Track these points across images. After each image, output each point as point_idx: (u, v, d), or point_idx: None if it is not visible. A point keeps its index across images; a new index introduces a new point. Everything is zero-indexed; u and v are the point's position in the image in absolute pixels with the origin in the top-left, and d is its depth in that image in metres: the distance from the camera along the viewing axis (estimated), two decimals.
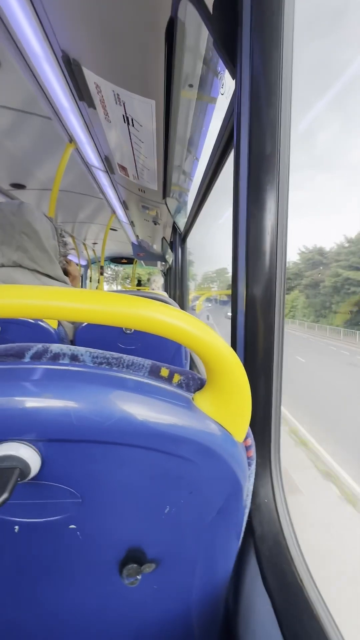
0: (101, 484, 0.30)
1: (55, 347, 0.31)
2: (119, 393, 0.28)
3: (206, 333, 0.28)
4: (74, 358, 0.31)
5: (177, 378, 0.33)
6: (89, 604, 0.39)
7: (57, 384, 0.27)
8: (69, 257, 1.21)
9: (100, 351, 0.32)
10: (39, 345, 0.30)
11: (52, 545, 0.33)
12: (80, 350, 0.31)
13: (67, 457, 0.28)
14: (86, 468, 0.29)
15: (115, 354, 0.32)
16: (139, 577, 0.37)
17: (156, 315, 0.26)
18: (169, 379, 0.32)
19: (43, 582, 0.36)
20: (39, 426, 0.27)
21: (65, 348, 0.31)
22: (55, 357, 0.30)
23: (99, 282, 4.49)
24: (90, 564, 0.36)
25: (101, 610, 0.40)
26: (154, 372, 0.32)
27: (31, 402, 0.27)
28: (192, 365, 1.68)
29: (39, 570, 0.35)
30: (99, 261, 4.71)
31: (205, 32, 0.69)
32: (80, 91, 1.18)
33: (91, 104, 1.25)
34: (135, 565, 0.36)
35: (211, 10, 0.55)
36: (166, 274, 5.91)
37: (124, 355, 0.32)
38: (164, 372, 0.32)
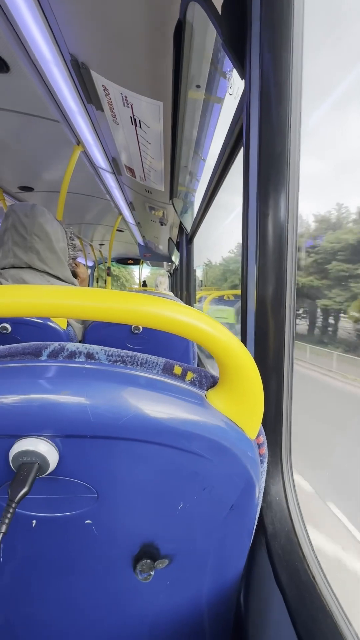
0: (117, 479, 0.31)
1: (71, 346, 0.31)
2: (133, 390, 0.29)
3: (219, 331, 0.28)
4: (89, 356, 0.31)
5: (190, 376, 0.33)
6: (103, 598, 0.40)
7: (74, 381, 0.28)
8: (78, 260, 1.22)
9: (115, 349, 0.32)
10: (56, 344, 0.31)
11: (68, 540, 0.33)
12: (95, 348, 0.32)
13: (83, 453, 0.29)
14: (102, 464, 0.30)
15: (130, 352, 0.32)
16: (152, 572, 0.37)
17: (170, 314, 0.27)
18: (182, 377, 0.33)
19: (58, 576, 0.37)
20: (56, 422, 0.27)
21: (81, 346, 0.31)
22: (72, 355, 0.31)
23: (105, 283, 4.52)
24: (105, 559, 0.36)
25: (114, 605, 0.41)
26: (167, 370, 0.33)
27: (49, 399, 0.27)
28: (200, 364, 1.69)
29: (54, 565, 0.36)
30: (106, 262, 4.74)
31: (212, 33, 0.70)
32: (89, 94, 1.20)
33: (99, 107, 1.27)
34: (148, 560, 0.37)
35: (220, 11, 0.55)
36: (172, 274, 5.92)
37: (138, 354, 0.32)
38: (177, 369, 0.33)
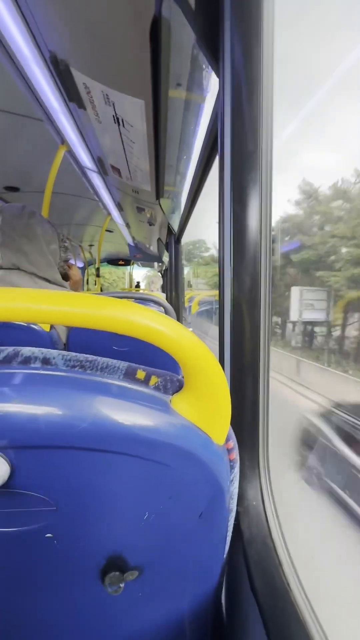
0: (76, 491, 0.29)
1: (26, 351, 0.30)
2: (91, 397, 0.28)
3: (177, 332, 0.27)
4: (45, 361, 0.30)
5: (154, 380, 0.32)
6: (72, 614, 0.38)
7: (25, 389, 0.27)
8: (70, 261, 1.20)
9: (74, 354, 0.31)
10: (10, 349, 0.30)
11: (28, 555, 0.32)
12: (52, 353, 0.30)
13: (38, 464, 0.27)
14: (59, 475, 0.28)
15: (90, 357, 0.31)
16: (121, 585, 0.36)
17: (123, 315, 0.26)
18: (145, 381, 0.32)
19: (20, 594, 0.35)
20: (6, 432, 0.26)
21: (37, 351, 0.30)
22: (26, 361, 0.29)
23: (95, 284, 4.48)
24: (70, 574, 0.35)
25: (85, 621, 0.39)
26: (130, 375, 0.31)
27: None
28: None
29: (16, 581, 0.34)
30: (96, 263, 4.71)
31: (189, 30, 0.69)
32: (70, 92, 1.18)
33: (81, 105, 1.25)
34: (117, 573, 0.35)
35: (193, 6, 0.54)
36: (164, 274, 5.90)
37: (99, 358, 0.31)
38: (140, 374, 0.32)
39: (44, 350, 0.30)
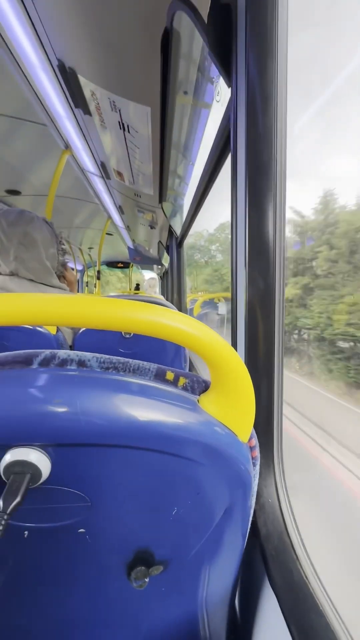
0: (110, 487, 0.31)
1: (62, 353, 0.31)
2: (126, 397, 0.29)
3: (208, 335, 0.29)
4: (81, 364, 0.31)
5: (182, 381, 0.33)
6: (97, 607, 0.39)
7: (65, 389, 0.28)
8: (67, 264, 1.21)
9: (107, 356, 0.32)
10: (47, 352, 0.31)
11: (61, 549, 0.33)
12: (87, 355, 0.32)
13: (76, 461, 0.29)
14: (95, 471, 0.30)
15: (122, 359, 0.32)
16: (146, 579, 0.37)
17: (158, 319, 0.27)
18: (174, 382, 0.33)
19: (51, 586, 0.36)
20: (48, 431, 0.27)
21: (73, 354, 0.31)
22: (63, 363, 0.31)
23: (95, 287, 4.49)
24: (98, 567, 0.36)
25: (109, 614, 0.40)
26: (160, 376, 0.33)
27: (41, 408, 0.27)
28: (192, 367, 1.69)
29: (47, 575, 0.35)
30: (95, 266, 4.72)
31: (199, 41, 0.71)
32: (76, 98, 1.19)
33: (87, 111, 1.26)
34: (143, 567, 0.36)
35: (206, 20, 0.56)
36: (162, 277, 5.92)
37: (130, 360, 0.33)
38: (170, 375, 0.33)
39: (79, 353, 0.31)
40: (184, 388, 0.33)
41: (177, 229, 2.31)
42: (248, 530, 0.41)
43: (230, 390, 0.32)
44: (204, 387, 0.34)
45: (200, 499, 0.33)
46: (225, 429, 0.32)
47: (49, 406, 0.27)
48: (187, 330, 0.28)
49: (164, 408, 0.30)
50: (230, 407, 0.32)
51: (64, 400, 0.28)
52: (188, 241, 2.50)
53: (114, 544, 0.34)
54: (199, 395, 0.34)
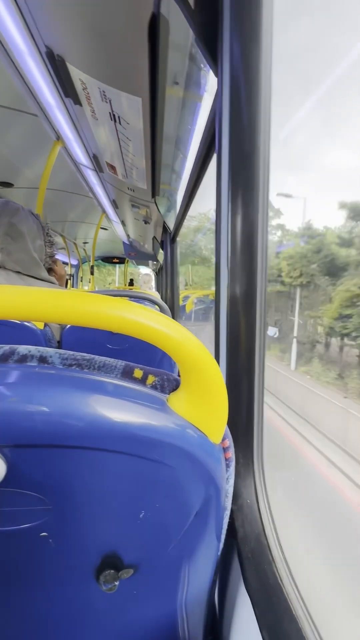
0: (72, 489, 0.29)
1: (22, 349, 0.30)
2: (88, 395, 0.28)
3: (176, 331, 0.27)
4: (42, 360, 0.30)
5: (151, 379, 0.32)
6: (67, 612, 0.38)
7: (22, 387, 0.26)
8: (57, 257, 1.19)
9: (71, 352, 0.31)
10: (6, 347, 0.29)
11: (23, 554, 0.32)
12: (49, 351, 0.30)
13: (34, 463, 0.27)
14: (55, 474, 0.28)
15: (87, 355, 0.31)
16: (116, 582, 0.36)
17: (120, 313, 0.25)
18: (142, 380, 0.32)
19: (16, 591, 0.35)
20: (3, 431, 0.26)
21: (34, 350, 0.30)
22: (23, 359, 0.29)
23: (90, 282, 4.45)
24: (65, 572, 0.35)
25: (80, 619, 0.39)
26: (127, 374, 0.31)
27: None
28: None
29: (10, 580, 0.34)
30: (90, 260, 4.68)
31: (189, 28, 0.69)
32: (66, 88, 1.16)
33: (77, 101, 1.23)
34: (112, 571, 0.35)
35: (192, 5, 0.54)
36: (158, 273, 5.89)
37: (96, 357, 0.31)
38: (138, 373, 0.32)
39: (40, 348, 0.30)
40: (153, 387, 0.32)
41: (171, 225, 2.29)
42: (224, 532, 0.40)
43: (201, 389, 0.30)
44: (175, 385, 0.33)
45: (168, 502, 0.32)
46: (195, 429, 0.31)
47: (4, 405, 0.26)
48: (152, 325, 0.27)
49: (129, 407, 0.29)
50: (201, 407, 0.31)
51: (21, 399, 0.26)
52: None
53: (79, 548, 0.33)
54: (169, 394, 0.32)
